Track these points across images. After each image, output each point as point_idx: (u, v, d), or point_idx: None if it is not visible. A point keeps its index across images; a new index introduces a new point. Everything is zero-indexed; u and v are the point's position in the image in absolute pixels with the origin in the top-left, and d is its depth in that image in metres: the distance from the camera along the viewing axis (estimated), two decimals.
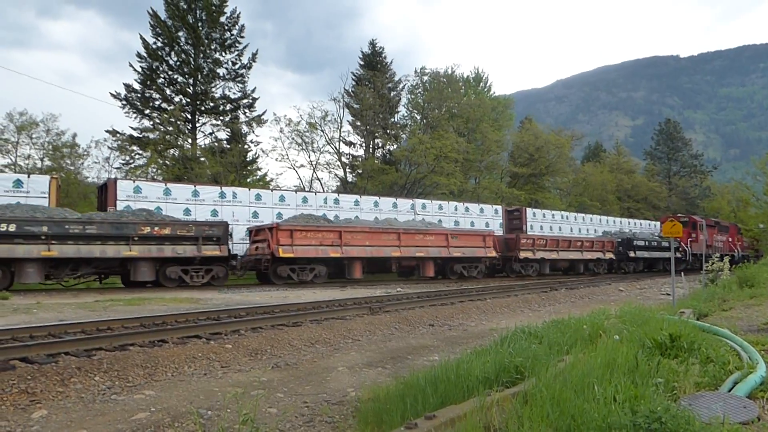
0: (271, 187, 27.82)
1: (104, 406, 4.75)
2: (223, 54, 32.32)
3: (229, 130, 32.42)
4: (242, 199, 21.47)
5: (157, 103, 30.80)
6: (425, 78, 42.97)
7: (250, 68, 33.13)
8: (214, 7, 31.36)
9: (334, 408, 4.70)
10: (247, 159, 32.70)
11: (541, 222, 33.10)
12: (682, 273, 22.17)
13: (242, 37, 32.60)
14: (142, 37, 30.30)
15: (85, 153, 30.65)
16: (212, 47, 31.75)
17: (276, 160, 35.15)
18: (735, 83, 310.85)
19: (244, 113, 33.21)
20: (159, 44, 30.61)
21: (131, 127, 30.24)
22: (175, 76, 31.09)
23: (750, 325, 7.91)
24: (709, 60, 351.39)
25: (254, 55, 33.43)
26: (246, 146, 32.64)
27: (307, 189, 32.58)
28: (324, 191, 30.93)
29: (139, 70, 30.22)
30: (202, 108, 31.85)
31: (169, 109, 29.93)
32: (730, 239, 39.56)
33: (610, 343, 5.15)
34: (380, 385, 4.83)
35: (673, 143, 66.26)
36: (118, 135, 29.66)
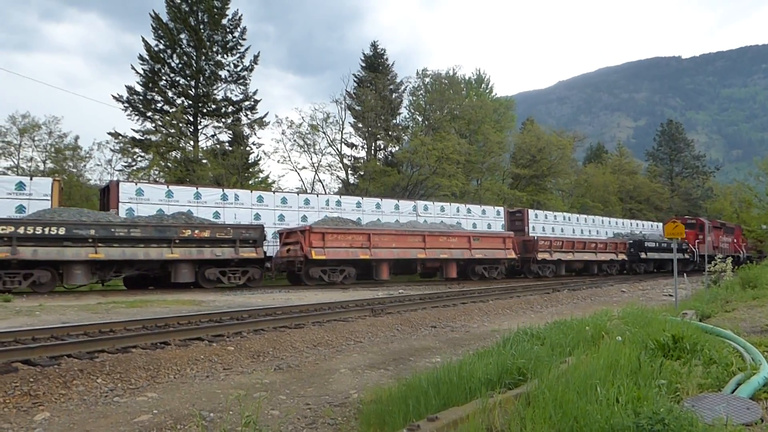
0: (273, 189, 27.80)
1: (107, 408, 4.76)
2: (225, 56, 32.34)
3: (231, 132, 32.42)
4: (244, 201, 21.49)
5: (159, 105, 30.81)
6: (427, 79, 42.90)
7: (251, 70, 33.16)
8: (215, 10, 31.41)
9: (337, 410, 4.70)
10: (249, 161, 32.69)
11: (543, 223, 32.98)
12: (685, 274, 22.16)
13: (244, 39, 32.65)
14: (144, 40, 30.37)
15: (88, 155, 30.68)
16: (214, 49, 31.76)
17: (278, 162, 35.16)
18: (737, 84, 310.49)
19: (246, 115, 33.22)
20: (161, 46, 30.64)
21: (133, 130, 30.27)
22: (177, 79, 31.12)
23: (753, 326, 7.88)
24: (711, 61, 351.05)
25: (256, 57, 33.52)
26: (248, 148, 32.62)
27: (309, 191, 32.60)
28: (326, 193, 30.93)
29: (141, 72, 30.26)
30: (204, 110, 31.84)
31: (171, 111, 29.94)
32: (735, 240, 39.57)
33: (612, 345, 5.14)
34: (382, 386, 4.82)
35: (676, 144, 66.09)
36: (120, 137, 29.67)
